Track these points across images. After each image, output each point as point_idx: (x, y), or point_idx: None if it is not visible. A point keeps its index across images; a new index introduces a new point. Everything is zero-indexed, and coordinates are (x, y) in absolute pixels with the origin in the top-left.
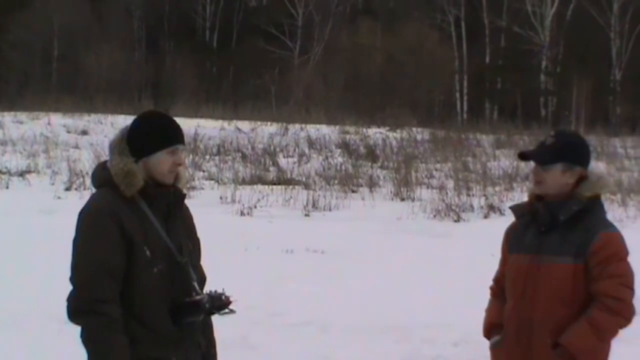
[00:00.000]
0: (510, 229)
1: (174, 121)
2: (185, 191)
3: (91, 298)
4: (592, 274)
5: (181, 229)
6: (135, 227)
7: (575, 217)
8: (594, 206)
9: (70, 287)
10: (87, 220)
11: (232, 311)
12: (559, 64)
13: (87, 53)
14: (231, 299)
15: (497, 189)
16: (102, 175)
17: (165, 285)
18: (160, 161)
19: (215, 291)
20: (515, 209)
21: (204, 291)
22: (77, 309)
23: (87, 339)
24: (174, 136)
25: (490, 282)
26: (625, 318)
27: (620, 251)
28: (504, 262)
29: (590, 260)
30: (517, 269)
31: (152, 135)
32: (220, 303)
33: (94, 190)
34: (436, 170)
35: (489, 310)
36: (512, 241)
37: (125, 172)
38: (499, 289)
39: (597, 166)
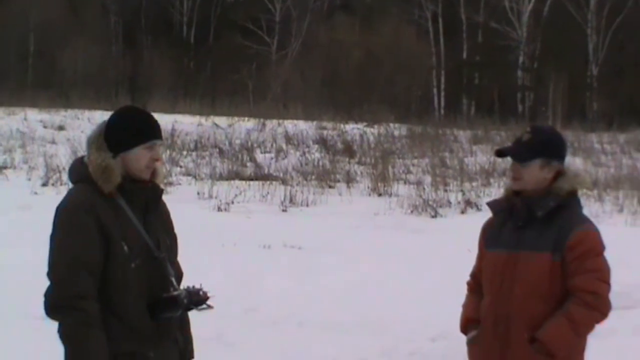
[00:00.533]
0: (487, 225)
1: (152, 116)
2: (162, 187)
3: (68, 294)
4: (568, 269)
5: (159, 224)
6: (113, 222)
7: (552, 212)
8: (571, 202)
9: (47, 283)
10: (64, 216)
11: (209, 307)
12: (536, 59)
13: (64, 48)
14: (209, 294)
15: (474, 184)
16: (79, 171)
17: (142, 280)
18: (138, 156)
19: (193, 287)
20: (492, 204)
21: (181, 287)
22: (54, 305)
23: (65, 335)
24: (152, 131)
25: (467, 278)
26: (601, 313)
27: (596, 246)
28: (480, 257)
29: (567, 256)
30: (494, 264)
31: (129, 130)
32: (197, 298)
33: (71, 185)
34: (413, 165)
35: (465, 306)
36: (489, 237)
37: (103, 167)
38: (475, 284)
39: (574, 162)
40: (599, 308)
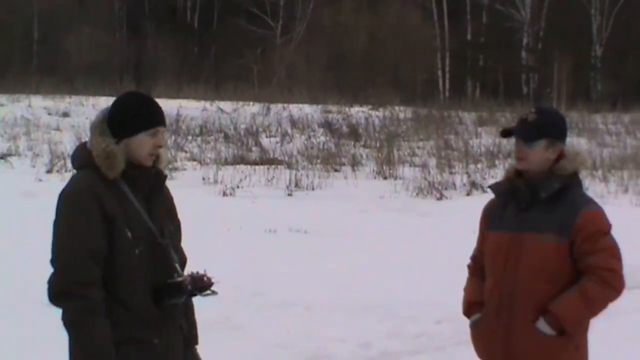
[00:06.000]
0: (489, 207)
1: (155, 102)
2: (166, 172)
3: (72, 281)
4: (580, 251)
5: (162, 210)
6: (116, 208)
7: (556, 194)
8: (574, 183)
9: (51, 270)
10: (68, 202)
11: (214, 292)
12: (540, 40)
13: (68, 35)
14: (213, 280)
15: (479, 166)
16: (82, 156)
17: (146, 267)
18: (141, 143)
19: (197, 272)
20: (494, 187)
21: (185, 273)
22: (57, 292)
23: (69, 322)
24: (155, 117)
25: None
26: (616, 290)
27: (604, 226)
28: (482, 240)
29: (576, 238)
30: (497, 246)
31: (133, 116)
32: (202, 284)
33: (74, 172)
34: (419, 148)
35: (467, 289)
36: (491, 219)
37: (106, 153)
38: (476, 267)
39: (578, 142)
40: (615, 285)
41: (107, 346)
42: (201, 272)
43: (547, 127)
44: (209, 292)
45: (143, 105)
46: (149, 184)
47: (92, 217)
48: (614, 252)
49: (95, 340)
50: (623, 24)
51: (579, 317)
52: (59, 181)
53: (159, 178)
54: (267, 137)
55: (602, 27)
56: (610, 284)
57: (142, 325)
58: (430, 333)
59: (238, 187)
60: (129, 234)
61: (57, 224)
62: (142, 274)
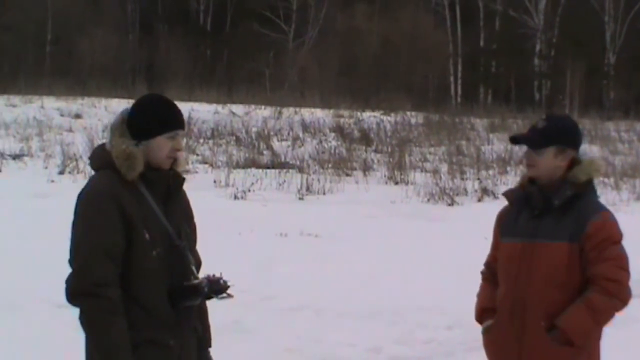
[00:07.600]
0: (502, 214)
1: (175, 105)
2: (184, 175)
3: (90, 281)
4: (588, 258)
5: (180, 212)
6: (135, 209)
7: (569, 201)
8: (587, 190)
9: (69, 270)
10: (87, 202)
11: (229, 296)
12: (553, 47)
13: (81, 36)
14: (229, 283)
15: (490, 172)
16: (102, 157)
17: (163, 268)
18: (160, 145)
19: (214, 275)
20: (508, 194)
21: (201, 275)
22: (75, 292)
23: (86, 322)
24: (175, 121)
25: (482, 267)
26: (622, 301)
27: (614, 234)
28: (495, 246)
29: (585, 245)
30: (510, 253)
31: (153, 119)
32: (218, 287)
33: (88, 173)
34: (430, 154)
35: (480, 295)
36: (505, 226)
37: (127, 154)
38: (490, 273)
39: (590, 150)
40: (620, 296)
41: (124, 345)
42: (217, 275)
43: (555, 134)
44: (224, 295)
45: (163, 108)
46: (167, 186)
47: (110, 217)
48: (621, 263)
49: (113, 339)
50: (637, 31)
51: (586, 329)
52: (71, 182)
53: (177, 180)
54: (278, 140)
55: (615, 34)
56: (615, 295)
57: (158, 327)
58: (441, 339)
59: (249, 190)
60: (147, 235)
61: (75, 224)
62: (159, 276)
